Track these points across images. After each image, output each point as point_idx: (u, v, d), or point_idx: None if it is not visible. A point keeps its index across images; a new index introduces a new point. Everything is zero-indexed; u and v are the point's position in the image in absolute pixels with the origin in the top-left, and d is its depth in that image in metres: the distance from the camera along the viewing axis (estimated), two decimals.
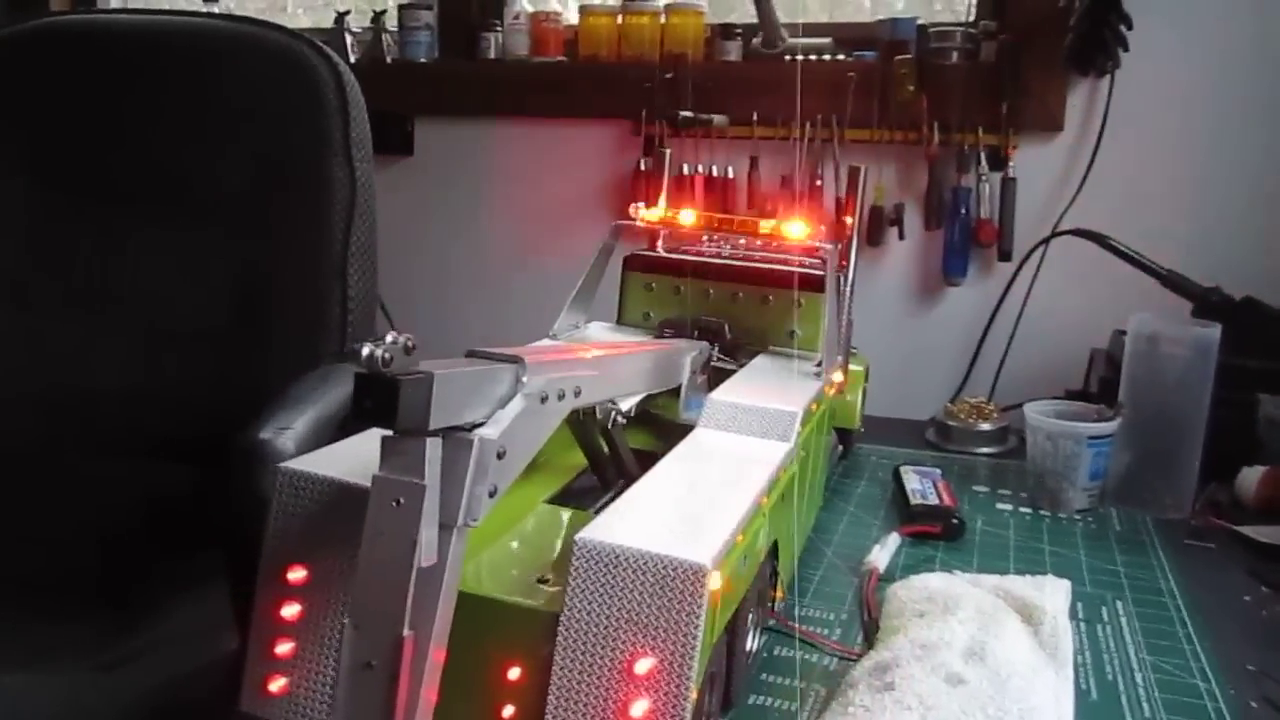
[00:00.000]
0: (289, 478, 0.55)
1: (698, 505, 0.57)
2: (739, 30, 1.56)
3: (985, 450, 1.30)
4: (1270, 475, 1.11)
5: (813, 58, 1.52)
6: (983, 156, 1.44)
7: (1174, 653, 0.80)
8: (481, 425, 0.47)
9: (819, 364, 0.89)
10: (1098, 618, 0.85)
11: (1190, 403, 1.09)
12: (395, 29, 1.71)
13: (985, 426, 1.31)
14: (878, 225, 1.50)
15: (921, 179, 1.48)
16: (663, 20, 1.59)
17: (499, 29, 1.66)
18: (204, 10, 1.56)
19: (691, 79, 1.54)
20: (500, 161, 1.70)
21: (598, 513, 0.59)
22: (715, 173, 1.56)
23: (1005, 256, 1.45)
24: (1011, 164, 1.43)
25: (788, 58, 1.54)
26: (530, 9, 1.66)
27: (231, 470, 0.85)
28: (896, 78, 1.45)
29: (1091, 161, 1.40)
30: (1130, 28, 1.29)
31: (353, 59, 1.72)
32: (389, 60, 1.72)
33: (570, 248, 1.67)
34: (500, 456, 0.46)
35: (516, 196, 1.70)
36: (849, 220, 1.03)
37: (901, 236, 1.49)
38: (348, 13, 1.76)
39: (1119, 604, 0.88)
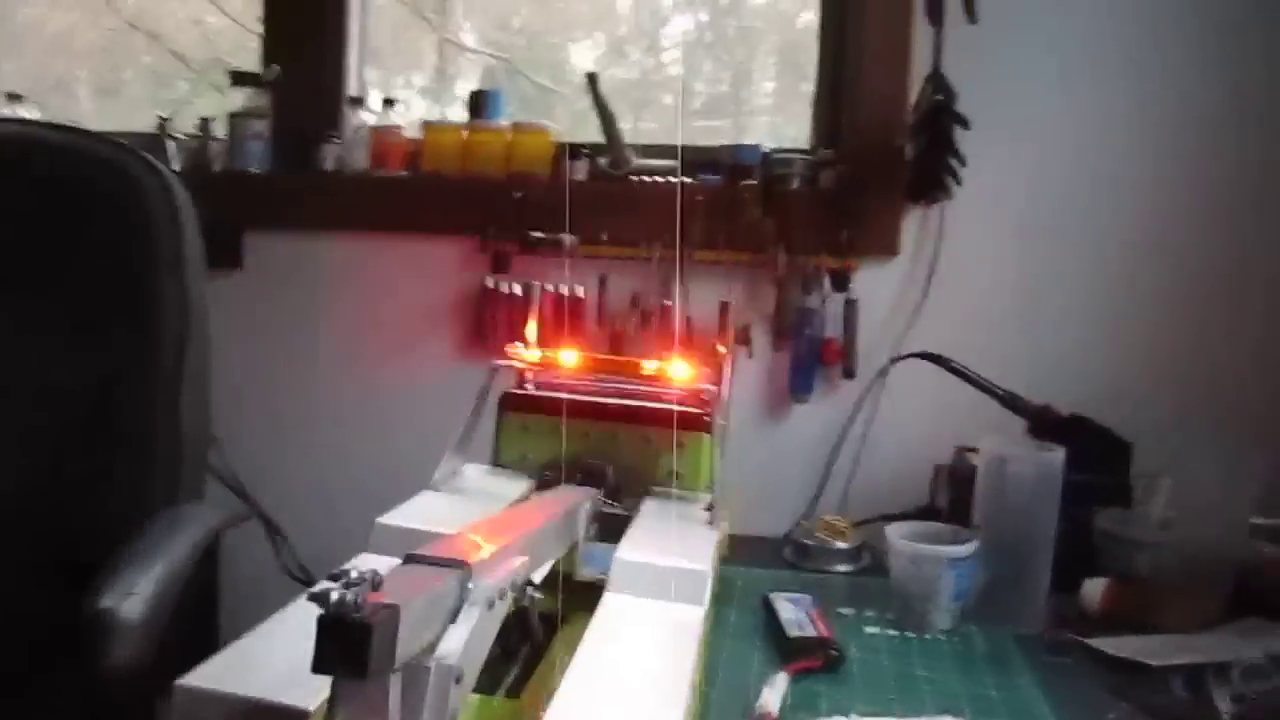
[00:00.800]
0: (188, 698, 0.49)
1: (642, 702, 0.54)
2: (587, 150, 1.58)
3: (843, 568, 1.32)
4: (1110, 587, 1.18)
5: (659, 179, 1.54)
6: (826, 278, 1.49)
7: None
8: (434, 645, 0.43)
9: (708, 508, 0.88)
10: None
11: (1039, 521, 1.15)
12: (224, 136, 1.63)
13: (842, 545, 1.33)
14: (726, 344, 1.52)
15: (768, 299, 1.52)
16: (509, 138, 1.59)
17: (337, 141, 1.61)
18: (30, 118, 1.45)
19: (540, 198, 1.53)
20: (338, 276, 1.63)
21: (510, 695, 0.55)
22: (565, 291, 1.55)
23: (849, 375, 1.50)
24: (853, 286, 1.49)
25: (635, 179, 1.56)
26: (371, 122, 1.62)
27: (79, 641, 0.80)
28: (743, 201, 1.49)
29: (928, 284, 1.48)
30: (964, 165, 1.37)
31: (176, 167, 1.62)
32: (216, 169, 1.64)
33: (414, 368, 1.62)
34: (458, 681, 0.42)
35: (356, 314, 1.63)
36: (721, 349, 1.04)
37: (750, 355, 1.52)
38: (169, 118, 1.67)
39: None
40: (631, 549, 0.74)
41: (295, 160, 1.63)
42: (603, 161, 1.58)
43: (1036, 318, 1.50)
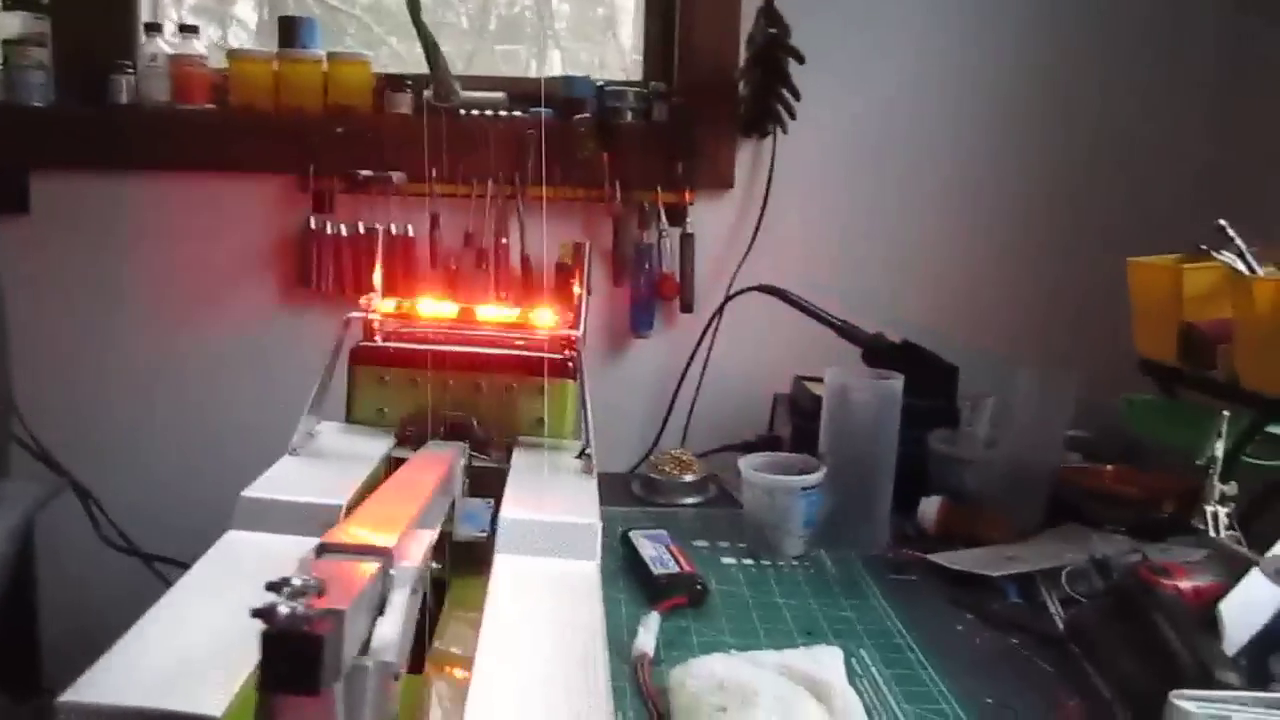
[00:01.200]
0: (78, 717, 0.44)
1: (563, 665, 0.53)
2: (409, 82, 1.50)
3: (691, 501, 1.34)
4: (944, 505, 1.24)
5: (489, 113, 1.49)
6: (662, 213, 1.49)
7: (927, 698, 0.86)
8: (367, 642, 0.40)
9: (581, 454, 0.87)
10: (853, 671, 0.90)
11: (881, 446, 1.19)
12: None
13: (689, 478, 1.35)
14: (564, 281, 1.50)
15: (606, 235, 1.50)
16: (325, 69, 1.49)
17: (130, 71, 1.47)
18: None
19: (363, 133, 1.45)
20: (140, 221, 1.50)
21: (413, 671, 0.53)
22: (395, 231, 1.48)
23: (687, 309, 1.51)
24: (689, 220, 1.49)
25: (463, 112, 1.50)
26: (169, 51, 1.48)
27: None
28: (577, 136, 1.46)
29: (761, 217, 1.50)
30: (799, 99, 1.39)
31: None
32: None
33: (232, 317, 1.52)
34: (397, 679, 0.40)
35: (163, 261, 1.51)
36: (577, 291, 1.02)
37: (589, 292, 1.50)
38: None
39: (864, 654, 0.94)
40: (516, 507, 0.72)
41: (84, 93, 1.47)
42: (427, 94, 1.51)
43: (866, 250, 1.55)
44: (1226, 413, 0.94)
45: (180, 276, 1.52)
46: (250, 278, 1.52)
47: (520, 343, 0.96)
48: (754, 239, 1.50)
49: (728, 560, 1.16)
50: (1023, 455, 1.27)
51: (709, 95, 1.48)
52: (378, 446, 0.87)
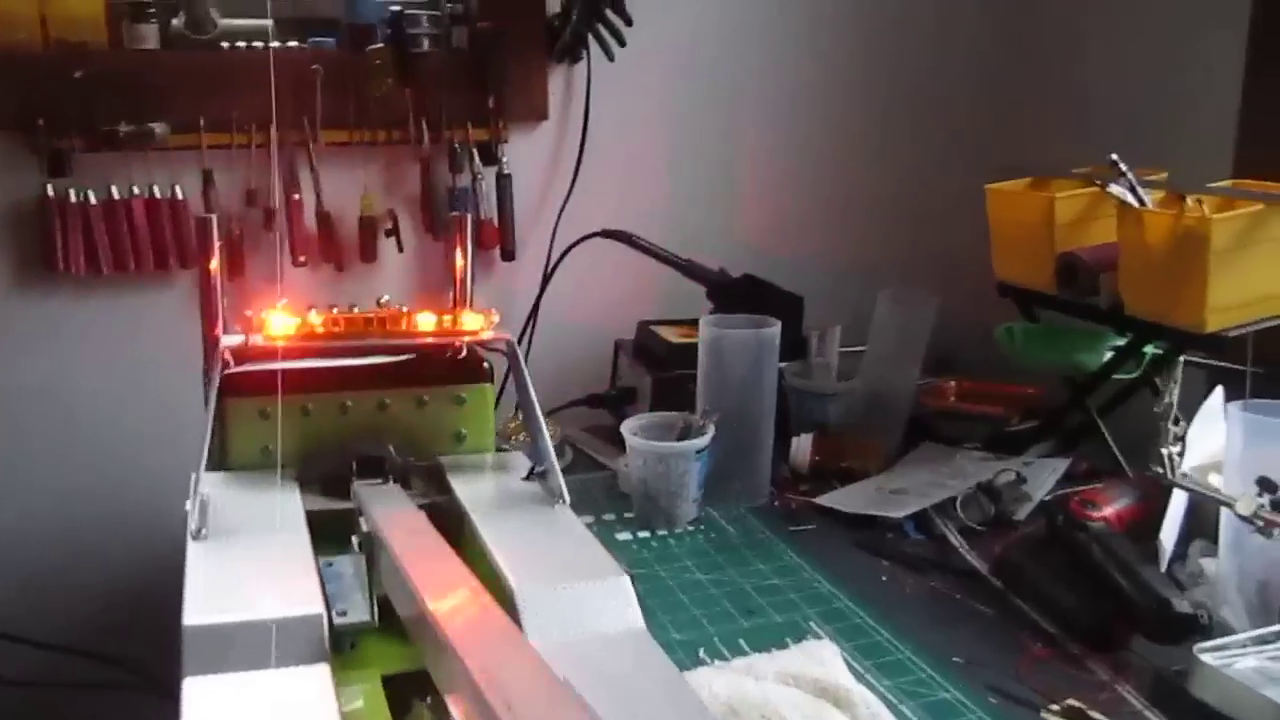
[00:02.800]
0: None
1: None
2: (152, 10, 1.23)
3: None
4: (815, 442, 1.23)
5: (258, 45, 1.26)
6: (475, 153, 1.34)
7: (901, 669, 0.84)
8: None
9: (533, 474, 0.76)
10: None
11: (761, 394, 1.15)
12: None
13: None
14: (370, 238, 1.32)
15: (413, 181, 1.34)
16: None
17: None
18: None
19: (103, 76, 1.18)
20: None
21: None
22: (159, 194, 1.24)
23: (509, 257, 1.38)
24: (505, 159, 1.35)
25: (225, 44, 1.26)
26: None
27: None
28: (370, 69, 1.27)
29: (581, 150, 1.38)
30: (630, 24, 1.27)
31: None
32: None
33: None
34: None
35: None
36: (460, 263, 0.89)
37: (400, 249, 1.34)
38: None
39: (815, 626, 0.90)
40: (524, 574, 0.61)
41: None
42: (177, 23, 1.25)
43: (697, 177, 1.47)
44: (1184, 358, 0.97)
45: None
46: None
47: (418, 344, 0.82)
48: (576, 175, 1.38)
49: (623, 536, 1.09)
50: (883, 380, 1.28)
51: (513, 17, 1.32)
52: (287, 502, 0.71)
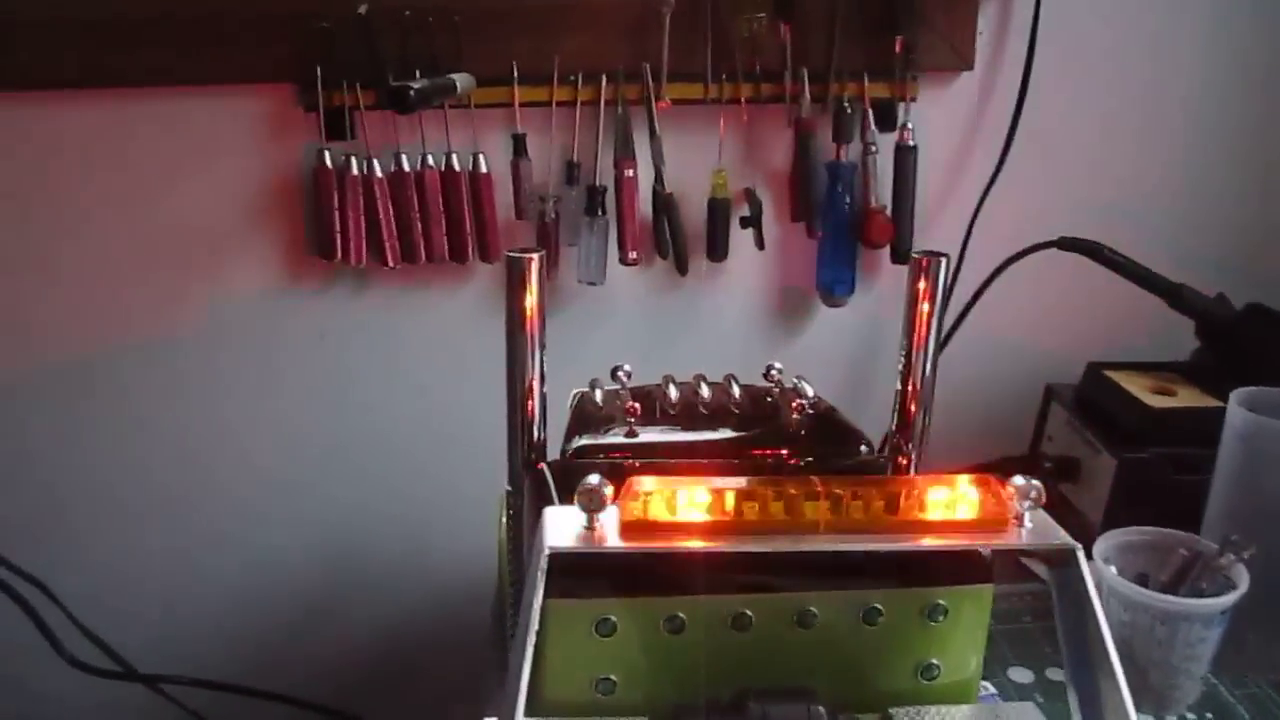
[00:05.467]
0: None
1: None
2: None
3: None
4: None
5: None
6: (869, 115, 0.96)
7: None
8: None
9: None
10: None
11: None
12: None
13: None
14: (721, 228, 0.99)
15: (780, 154, 0.98)
16: None
17: None
18: None
19: (399, 10, 0.90)
20: (33, 168, 0.96)
21: None
22: (457, 166, 0.95)
23: (902, 259, 1.00)
24: (909, 126, 0.97)
25: None
26: None
27: None
28: (738, 2, 0.92)
29: (1016, 115, 0.98)
30: None
31: None
32: None
33: (204, 306, 1.00)
34: None
35: (84, 226, 0.98)
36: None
37: (761, 245, 0.99)
38: None
39: None
40: None
41: None
42: None
43: (1183, 166, 1.03)
44: None
45: (113, 247, 0.98)
46: (230, 246, 0.99)
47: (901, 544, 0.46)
48: (1006, 149, 0.98)
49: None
50: None
51: None
52: None
